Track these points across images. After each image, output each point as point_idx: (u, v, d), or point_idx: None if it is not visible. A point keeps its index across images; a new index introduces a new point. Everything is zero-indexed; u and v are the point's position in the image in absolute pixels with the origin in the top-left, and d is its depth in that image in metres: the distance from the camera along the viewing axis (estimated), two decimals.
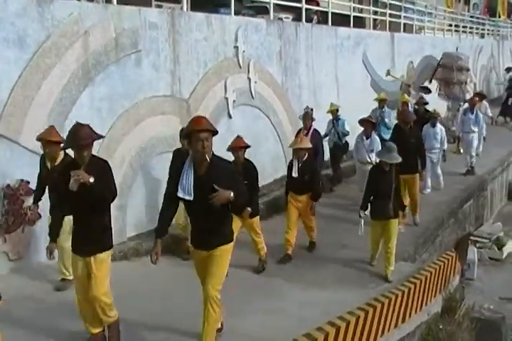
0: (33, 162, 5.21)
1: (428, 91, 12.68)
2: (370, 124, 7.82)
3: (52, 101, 5.42)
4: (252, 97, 8.29)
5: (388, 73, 12.48)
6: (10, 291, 4.22)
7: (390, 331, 4.89)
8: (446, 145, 9.06)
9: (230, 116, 7.81)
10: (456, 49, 14.34)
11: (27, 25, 5.18)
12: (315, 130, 7.90)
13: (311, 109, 8.04)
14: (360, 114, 8.21)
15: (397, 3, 15.22)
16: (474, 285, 8.26)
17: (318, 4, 12.69)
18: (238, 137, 5.70)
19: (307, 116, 7.95)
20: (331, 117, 9.05)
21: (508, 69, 20.89)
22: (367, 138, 7.83)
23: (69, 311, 4.29)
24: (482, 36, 23.71)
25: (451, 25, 20.13)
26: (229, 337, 4.30)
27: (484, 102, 12.44)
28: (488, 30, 24.53)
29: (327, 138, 9.01)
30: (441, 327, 5.63)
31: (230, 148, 5.61)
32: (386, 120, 9.51)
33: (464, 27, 21.15)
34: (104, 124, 5.88)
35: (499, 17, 29.12)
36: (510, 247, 9.76)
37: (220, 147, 5.91)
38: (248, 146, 5.67)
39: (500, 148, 12.67)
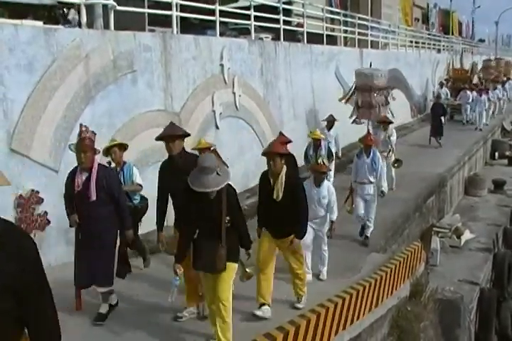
0: (42, 173, 5.18)
1: (333, 120, 8.79)
2: None
3: (58, 119, 5.36)
4: (237, 109, 8.26)
5: None
6: None
7: (365, 315, 4.92)
8: (336, 214, 5.28)
9: (217, 127, 7.78)
10: (370, 65, 10.69)
11: (36, 51, 5.13)
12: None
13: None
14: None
15: (364, 23, 15.45)
16: (437, 270, 8.37)
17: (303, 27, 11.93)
18: None
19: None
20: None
21: (441, 84, 18.79)
22: None
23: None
24: (438, 51, 24.10)
25: (411, 42, 20.39)
26: None
27: (390, 127, 9.13)
28: (443, 46, 24.96)
29: None
30: (409, 309, 5.66)
31: None
32: None
33: (422, 43, 21.55)
34: (105, 138, 5.83)
35: (452, 34, 29.62)
36: (467, 236, 9.91)
37: None
38: None
39: (456, 149, 12.98)
